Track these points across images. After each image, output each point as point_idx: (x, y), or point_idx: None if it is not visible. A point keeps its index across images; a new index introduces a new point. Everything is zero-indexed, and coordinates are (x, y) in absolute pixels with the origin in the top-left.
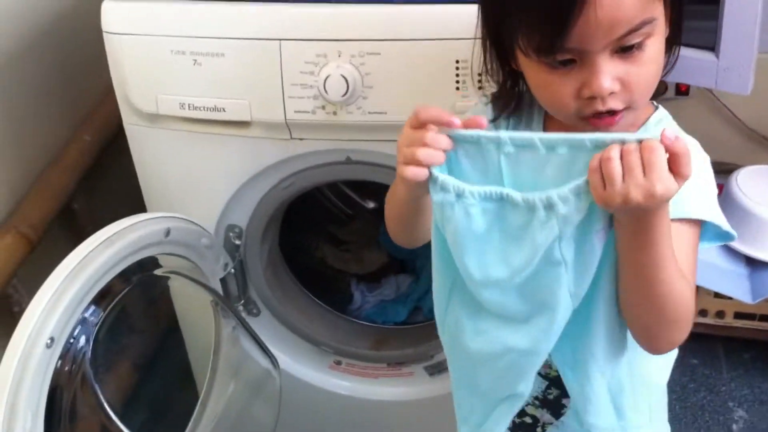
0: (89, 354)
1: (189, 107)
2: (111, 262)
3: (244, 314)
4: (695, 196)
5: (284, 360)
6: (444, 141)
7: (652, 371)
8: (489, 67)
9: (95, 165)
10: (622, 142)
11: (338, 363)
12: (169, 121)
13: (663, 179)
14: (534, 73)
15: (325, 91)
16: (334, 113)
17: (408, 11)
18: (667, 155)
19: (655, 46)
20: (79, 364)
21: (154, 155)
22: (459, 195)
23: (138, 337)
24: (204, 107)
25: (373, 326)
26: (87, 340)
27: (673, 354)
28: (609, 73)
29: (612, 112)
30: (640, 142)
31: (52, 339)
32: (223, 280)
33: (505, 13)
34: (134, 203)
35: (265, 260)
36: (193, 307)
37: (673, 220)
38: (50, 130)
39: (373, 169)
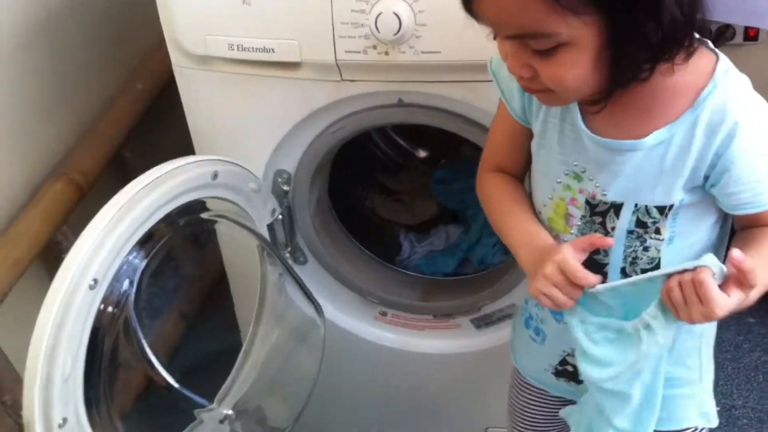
0: (133, 298)
1: (237, 48)
2: (156, 204)
3: (290, 262)
4: None
5: (329, 309)
6: (577, 295)
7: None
8: None
9: (147, 113)
10: (683, 271)
11: (383, 314)
12: (218, 63)
13: (719, 305)
14: None
15: (377, 30)
16: (386, 53)
17: None
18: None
19: (571, 55)
20: (122, 308)
21: (203, 98)
22: (582, 322)
23: (185, 283)
24: (252, 48)
25: (421, 277)
26: (131, 284)
27: None
28: (517, 59)
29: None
30: (695, 268)
31: (95, 281)
32: (270, 227)
33: None
34: (185, 151)
35: (314, 207)
36: (240, 253)
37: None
38: (102, 79)
39: (426, 111)
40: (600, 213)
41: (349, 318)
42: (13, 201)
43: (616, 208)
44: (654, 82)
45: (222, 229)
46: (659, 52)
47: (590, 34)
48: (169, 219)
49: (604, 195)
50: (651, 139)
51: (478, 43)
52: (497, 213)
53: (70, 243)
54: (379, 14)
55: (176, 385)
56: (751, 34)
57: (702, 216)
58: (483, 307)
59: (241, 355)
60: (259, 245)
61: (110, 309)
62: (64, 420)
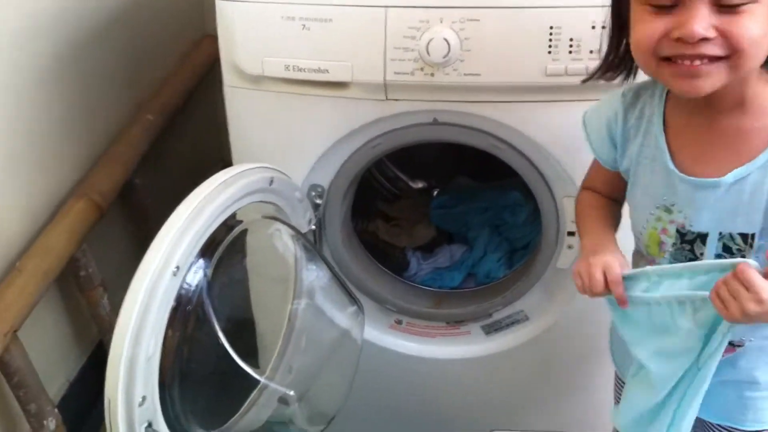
0: (206, 287)
1: (293, 69)
2: (228, 202)
3: None
4: None
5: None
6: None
7: None
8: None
9: (156, 144)
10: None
11: (399, 323)
12: (272, 83)
13: (765, 288)
14: (638, 16)
15: (427, 53)
16: (432, 75)
17: None
18: None
19: (758, 11)
20: (198, 294)
21: (251, 115)
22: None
23: (238, 282)
24: (308, 69)
25: (432, 289)
26: (204, 274)
27: None
28: (704, 20)
29: (702, 57)
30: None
31: (177, 267)
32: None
33: None
34: (192, 180)
35: (341, 221)
36: (273, 258)
37: None
38: (116, 110)
39: (458, 129)
40: (689, 241)
41: (366, 327)
42: (36, 218)
43: (703, 237)
44: (741, 121)
45: (257, 234)
46: None
47: None
48: (228, 221)
49: (691, 226)
50: (730, 178)
51: (512, 67)
52: (579, 219)
53: (88, 261)
54: (431, 40)
55: (241, 363)
56: None
57: None
58: (494, 314)
59: (274, 359)
60: (296, 252)
61: (186, 296)
62: (143, 398)
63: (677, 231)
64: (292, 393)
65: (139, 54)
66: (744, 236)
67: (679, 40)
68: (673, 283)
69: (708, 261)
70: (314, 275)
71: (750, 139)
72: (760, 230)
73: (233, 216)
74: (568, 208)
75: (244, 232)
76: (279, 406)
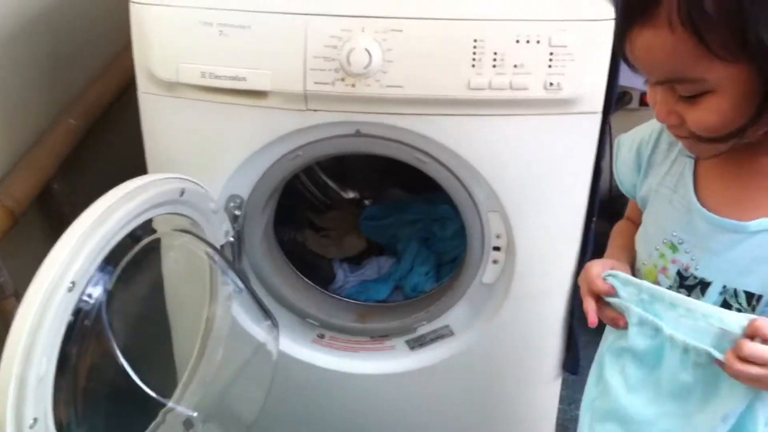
0: (105, 304)
1: (210, 76)
2: (131, 215)
3: None
4: None
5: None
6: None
7: None
8: None
9: (78, 148)
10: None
11: (321, 337)
12: (187, 90)
13: None
14: None
15: (348, 63)
16: (353, 85)
17: None
18: None
19: (716, 102)
20: (94, 316)
21: (166, 123)
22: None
23: (145, 296)
24: (224, 76)
25: (357, 302)
26: (104, 292)
27: None
28: (664, 105)
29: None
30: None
31: (73, 283)
32: (221, 248)
33: None
34: (133, 168)
35: (261, 233)
36: (187, 271)
37: None
38: (37, 112)
39: (381, 142)
40: (688, 287)
41: (287, 341)
42: None
43: (704, 285)
44: None
45: (171, 246)
46: None
47: (735, 81)
48: (134, 234)
49: (696, 270)
50: (754, 225)
51: (435, 80)
52: (608, 250)
53: (0, 268)
54: (352, 49)
55: (141, 384)
56: (646, 100)
57: None
58: (418, 328)
59: (187, 372)
60: (213, 262)
61: (84, 312)
62: (35, 420)
63: (678, 273)
64: (196, 414)
65: (62, 57)
66: (750, 296)
67: None
68: (664, 313)
69: (715, 308)
70: (229, 289)
71: None
72: None
73: (149, 227)
74: (493, 223)
75: (156, 244)
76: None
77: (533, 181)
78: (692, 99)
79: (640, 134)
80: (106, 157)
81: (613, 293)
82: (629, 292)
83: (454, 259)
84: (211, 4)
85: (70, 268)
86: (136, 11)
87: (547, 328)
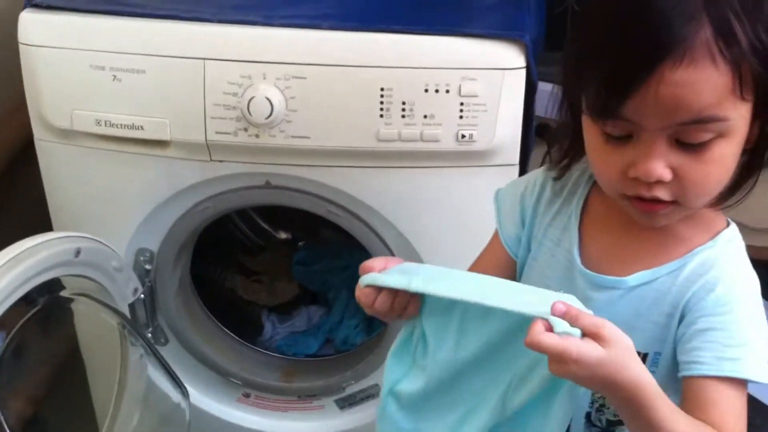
0: None
1: (105, 124)
2: (18, 281)
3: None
4: (748, 353)
5: (191, 392)
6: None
7: None
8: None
9: None
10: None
11: (247, 396)
12: (84, 138)
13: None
14: (592, 137)
15: (249, 113)
16: (257, 136)
17: (334, 37)
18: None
19: (723, 149)
20: None
21: (64, 173)
22: None
23: (41, 362)
24: (121, 125)
25: (284, 358)
26: None
27: None
28: (662, 158)
29: (656, 200)
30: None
31: None
32: (131, 306)
33: (579, 66)
34: (40, 225)
35: (176, 287)
36: (98, 333)
37: (715, 377)
38: None
39: (293, 194)
40: None
41: (211, 400)
42: None
43: None
44: (667, 227)
45: (81, 308)
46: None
47: (744, 122)
48: (29, 297)
49: None
50: (633, 280)
51: (343, 130)
52: None
53: None
54: (252, 98)
55: None
56: None
57: (675, 385)
58: (347, 388)
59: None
60: (120, 325)
61: None
62: None
63: None
64: None
65: None
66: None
67: (635, 179)
68: (478, 328)
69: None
70: (139, 355)
71: (671, 244)
72: (654, 354)
73: (55, 286)
74: None
75: (64, 307)
76: None
77: (451, 235)
78: (699, 149)
79: (522, 184)
80: (31, 193)
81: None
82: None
83: None
84: (103, 47)
85: None
86: (25, 53)
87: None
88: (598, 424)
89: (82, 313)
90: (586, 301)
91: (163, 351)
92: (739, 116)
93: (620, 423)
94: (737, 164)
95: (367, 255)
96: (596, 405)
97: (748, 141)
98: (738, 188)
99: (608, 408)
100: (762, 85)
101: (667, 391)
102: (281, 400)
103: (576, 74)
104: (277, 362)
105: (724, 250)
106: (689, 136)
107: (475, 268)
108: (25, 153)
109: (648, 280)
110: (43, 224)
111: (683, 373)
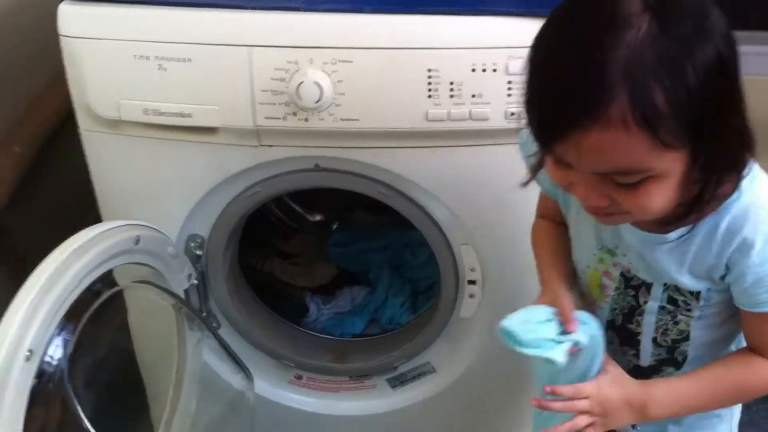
0: (66, 368)
1: (153, 113)
2: (85, 271)
3: None
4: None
5: None
6: None
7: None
8: None
9: (28, 178)
10: None
11: (299, 377)
12: (132, 128)
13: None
14: (547, 155)
15: (298, 98)
16: (306, 120)
17: (378, 20)
18: None
19: (656, 187)
20: (57, 380)
21: (113, 163)
22: None
23: (113, 352)
24: (169, 113)
25: (334, 339)
26: (64, 355)
27: None
28: (597, 191)
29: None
30: None
31: (30, 351)
32: (185, 292)
33: (527, 101)
34: (72, 218)
35: (226, 272)
36: (154, 320)
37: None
38: None
39: (342, 176)
40: (634, 287)
41: (264, 383)
42: None
43: (648, 285)
44: None
45: (139, 295)
46: (740, 167)
47: (677, 165)
48: (93, 287)
49: (637, 272)
50: (674, 235)
51: (391, 112)
52: (534, 250)
53: None
54: (301, 83)
55: None
56: None
57: (730, 301)
58: (399, 367)
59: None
60: (177, 310)
61: (46, 383)
62: None
63: (621, 275)
64: None
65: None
66: (690, 291)
67: None
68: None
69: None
70: (197, 335)
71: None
72: (706, 291)
73: (109, 278)
74: (466, 256)
75: (119, 294)
76: None
77: (503, 211)
78: (632, 185)
79: None
80: (61, 186)
81: None
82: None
83: (430, 287)
84: (146, 37)
85: (25, 335)
86: (68, 45)
87: (527, 361)
88: (664, 344)
89: (141, 300)
90: (633, 249)
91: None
92: (667, 163)
93: (684, 340)
94: (687, 190)
95: (404, 235)
96: (660, 330)
97: (702, 169)
98: (686, 217)
99: (671, 330)
100: (692, 136)
101: (723, 314)
102: (333, 380)
103: (524, 105)
104: (328, 343)
105: (751, 196)
106: (617, 179)
107: (539, 198)
108: (51, 150)
109: (687, 236)
110: (88, 197)
111: (749, 309)
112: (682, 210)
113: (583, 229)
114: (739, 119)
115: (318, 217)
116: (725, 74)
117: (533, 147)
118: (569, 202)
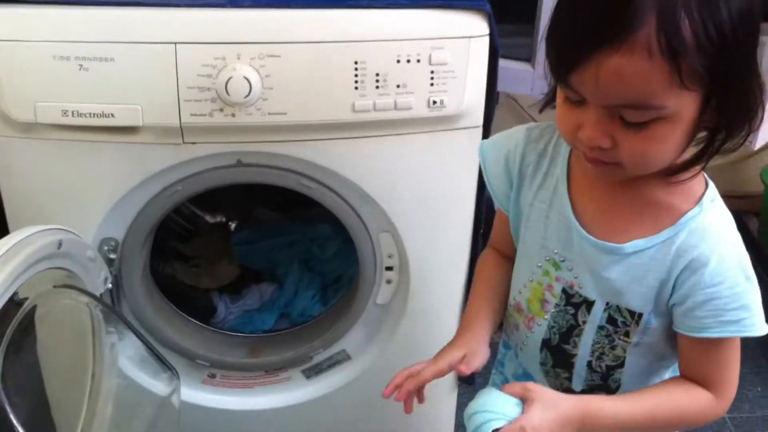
0: None
1: (73, 114)
2: (10, 279)
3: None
4: (746, 313)
5: None
6: None
7: None
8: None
9: None
10: None
11: (212, 376)
12: (47, 131)
13: None
14: (560, 99)
15: (227, 93)
16: (233, 115)
17: (305, 15)
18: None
19: (663, 130)
20: None
21: (24, 168)
22: None
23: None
24: (90, 113)
25: (246, 336)
26: None
27: None
28: (603, 128)
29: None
30: None
31: None
32: (100, 296)
33: (548, 31)
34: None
35: (140, 274)
36: (70, 327)
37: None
38: None
39: (264, 170)
40: (574, 305)
41: None
42: None
43: (589, 303)
44: (649, 193)
45: (48, 304)
46: (752, 120)
47: (689, 109)
48: (14, 296)
49: (580, 288)
50: (629, 247)
51: (319, 104)
52: (472, 289)
53: None
54: (229, 78)
55: None
56: None
57: (669, 331)
58: (315, 357)
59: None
60: (93, 317)
61: None
62: None
63: (563, 291)
64: None
65: None
66: (631, 312)
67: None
68: None
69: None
70: (113, 338)
71: (661, 213)
72: (648, 314)
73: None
74: (384, 243)
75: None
76: None
77: (422, 199)
78: (640, 125)
79: (505, 146)
80: None
81: None
82: None
83: (337, 279)
84: (66, 37)
85: None
86: None
87: (442, 344)
88: (599, 369)
89: (50, 310)
90: (583, 260)
91: (130, 340)
92: (680, 104)
93: (619, 366)
94: (688, 143)
95: (311, 230)
96: (596, 354)
97: (710, 121)
98: (691, 165)
99: (607, 355)
100: (711, 77)
101: (660, 343)
102: (248, 376)
103: (547, 37)
104: (241, 340)
105: (709, 214)
106: (628, 116)
107: (493, 225)
108: None
109: (643, 248)
110: None
111: (691, 333)
112: (678, 167)
113: (530, 239)
114: (756, 69)
115: (217, 219)
116: (754, 21)
117: (493, 160)
118: (519, 212)
